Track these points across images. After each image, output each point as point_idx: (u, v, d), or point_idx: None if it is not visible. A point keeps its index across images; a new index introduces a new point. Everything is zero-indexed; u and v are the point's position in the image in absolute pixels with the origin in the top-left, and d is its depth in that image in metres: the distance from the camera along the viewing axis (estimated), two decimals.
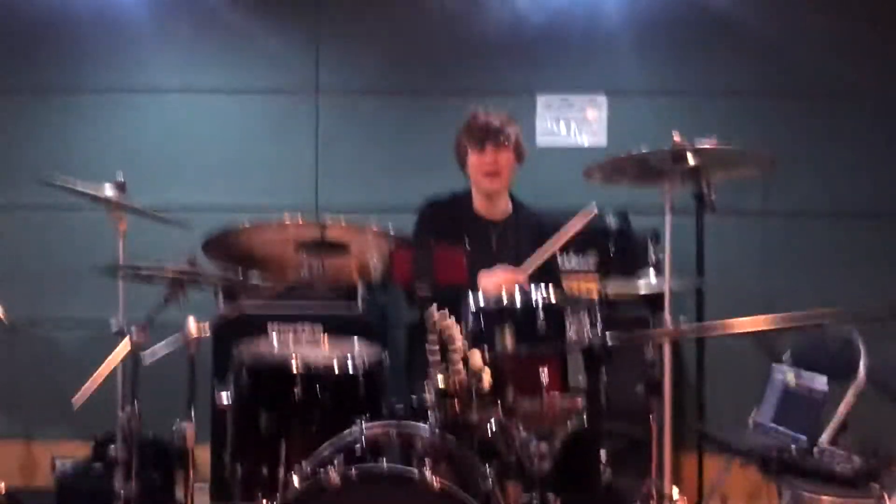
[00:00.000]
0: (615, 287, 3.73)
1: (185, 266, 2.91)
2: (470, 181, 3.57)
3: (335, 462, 2.50)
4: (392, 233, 2.80)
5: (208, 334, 2.94)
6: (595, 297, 2.75)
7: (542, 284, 2.71)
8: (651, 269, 3.79)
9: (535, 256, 3.33)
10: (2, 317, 3.54)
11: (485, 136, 3.45)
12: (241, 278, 3.02)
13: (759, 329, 2.52)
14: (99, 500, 3.54)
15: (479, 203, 3.57)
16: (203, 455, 3.76)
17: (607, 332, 2.69)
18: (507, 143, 3.46)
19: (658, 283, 3.48)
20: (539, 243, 3.43)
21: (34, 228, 4.55)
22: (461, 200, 3.59)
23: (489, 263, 3.33)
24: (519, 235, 3.55)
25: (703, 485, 4.12)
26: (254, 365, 2.91)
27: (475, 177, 3.51)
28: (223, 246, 2.83)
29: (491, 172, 3.47)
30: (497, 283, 3.17)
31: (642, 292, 3.55)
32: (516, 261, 3.35)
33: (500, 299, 2.67)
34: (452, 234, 3.32)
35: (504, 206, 3.59)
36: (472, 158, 3.48)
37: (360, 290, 4.08)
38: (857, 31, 4.49)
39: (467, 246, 3.34)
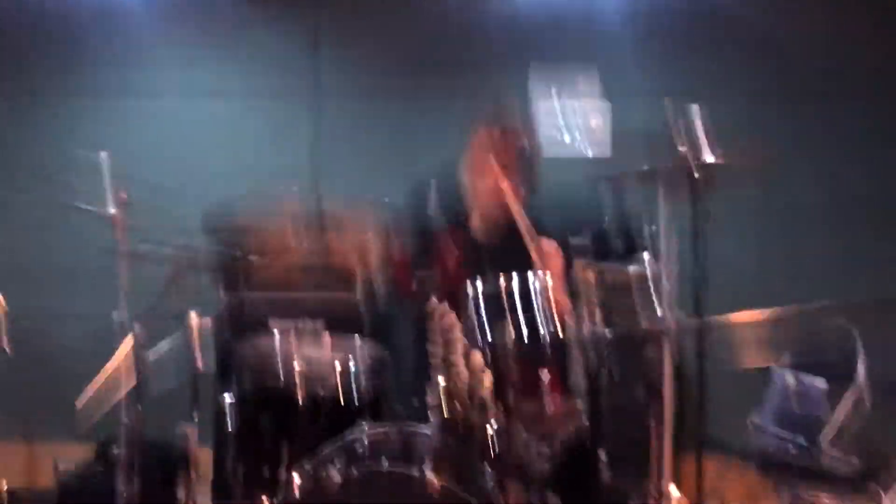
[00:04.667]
0: (612, 275, 3.72)
1: (181, 248, 2.90)
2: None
3: (336, 462, 2.51)
4: (391, 234, 2.80)
5: (209, 328, 2.94)
6: (593, 283, 2.75)
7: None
8: (648, 266, 3.79)
9: None
10: (2, 316, 3.54)
11: (495, 149, 3.37)
12: (241, 257, 3.01)
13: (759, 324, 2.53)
14: (101, 500, 3.53)
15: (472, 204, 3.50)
16: (205, 456, 3.78)
17: (607, 332, 2.70)
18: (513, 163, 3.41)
19: (657, 284, 3.48)
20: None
21: (35, 228, 4.55)
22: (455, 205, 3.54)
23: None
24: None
25: (703, 486, 4.12)
26: (256, 365, 2.92)
27: (475, 188, 3.45)
28: (223, 225, 2.83)
29: (493, 187, 3.41)
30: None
31: (641, 291, 3.54)
32: (507, 260, 3.32)
33: (499, 294, 2.67)
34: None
35: None
36: (480, 169, 3.40)
37: (362, 290, 4.07)
38: (856, 31, 4.50)
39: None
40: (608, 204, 4.16)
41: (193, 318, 2.85)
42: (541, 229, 3.50)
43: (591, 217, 4.10)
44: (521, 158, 3.42)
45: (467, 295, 2.71)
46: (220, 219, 2.78)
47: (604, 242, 4.05)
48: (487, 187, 3.42)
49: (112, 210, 3.44)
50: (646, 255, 3.94)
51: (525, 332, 2.66)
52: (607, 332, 2.70)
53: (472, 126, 3.49)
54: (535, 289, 2.71)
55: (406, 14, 4.61)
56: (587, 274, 2.80)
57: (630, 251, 3.97)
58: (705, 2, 4.51)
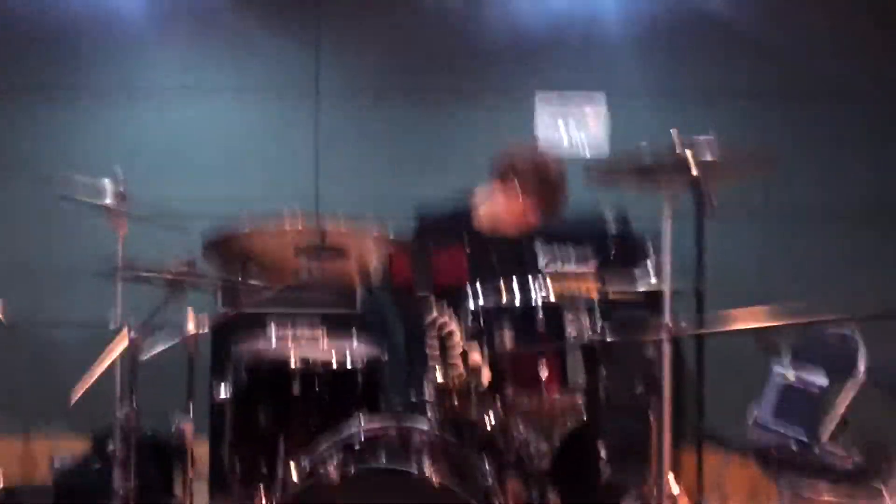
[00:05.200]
0: (615, 287, 3.72)
1: (184, 268, 2.91)
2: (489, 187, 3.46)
3: (334, 458, 2.50)
4: (391, 235, 2.79)
5: (206, 331, 2.94)
6: (595, 297, 2.75)
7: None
8: (651, 269, 3.79)
9: None
10: (1, 316, 3.54)
11: (533, 189, 3.30)
12: (241, 280, 3.01)
13: (760, 326, 2.52)
14: (97, 496, 3.53)
15: (483, 218, 3.45)
16: (202, 451, 3.76)
17: (606, 331, 2.70)
18: (547, 209, 3.36)
19: (658, 283, 3.48)
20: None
21: (34, 228, 4.55)
22: (460, 215, 3.50)
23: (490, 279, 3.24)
24: (521, 250, 3.49)
25: (703, 482, 4.10)
26: (252, 361, 2.92)
27: (495, 208, 3.44)
28: (223, 248, 2.83)
29: (516, 219, 3.39)
30: None
31: (642, 291, 3.54)
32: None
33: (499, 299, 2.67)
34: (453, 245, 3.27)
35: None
36: (509, 199, 3.35)
37: (360, 290, 4.08)
38: (857, 31, 4.50)
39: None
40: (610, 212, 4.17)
41: (191, 319, 2.84)
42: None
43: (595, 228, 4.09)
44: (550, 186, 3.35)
45: (467, 295, 2.71)
46: (220, 242, 2.78)
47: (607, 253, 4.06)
48: (510, 211, 3.37)
49: (108, 200, 3.45)
50: (650, 265, 3.97)
51: (524, 332, 2.65)
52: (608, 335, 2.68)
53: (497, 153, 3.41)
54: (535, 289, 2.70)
55: (406, 15, 4.61)
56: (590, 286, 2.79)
57: (632, 261, 3.98)
58: (706, 2, 4.51)
